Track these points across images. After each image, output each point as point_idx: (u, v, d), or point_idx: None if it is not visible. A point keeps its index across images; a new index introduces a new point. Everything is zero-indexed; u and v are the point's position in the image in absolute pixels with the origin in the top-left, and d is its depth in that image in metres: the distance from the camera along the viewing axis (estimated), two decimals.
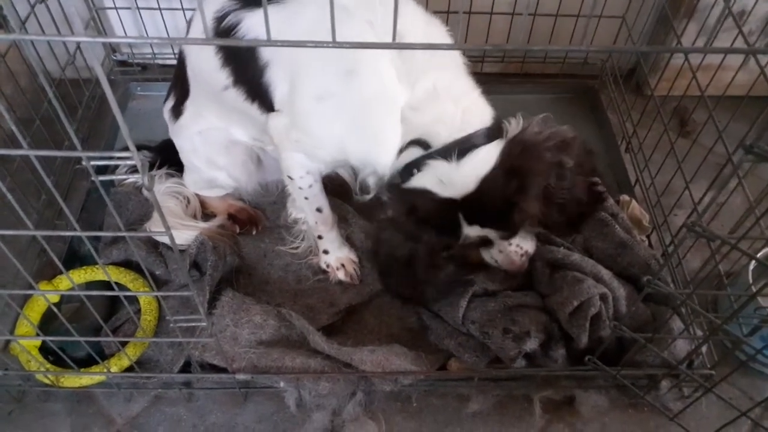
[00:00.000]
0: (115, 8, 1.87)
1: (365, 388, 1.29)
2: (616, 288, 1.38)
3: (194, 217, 1.61)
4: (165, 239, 1.44)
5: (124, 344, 1.33)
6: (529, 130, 1.18)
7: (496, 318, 1.36)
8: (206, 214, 1.64)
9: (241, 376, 1.24)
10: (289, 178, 1.39)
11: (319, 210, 1.46)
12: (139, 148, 1.72)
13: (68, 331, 1.31)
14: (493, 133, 1.18)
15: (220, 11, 1.23)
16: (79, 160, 1.71)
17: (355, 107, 1.19)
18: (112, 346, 1.36)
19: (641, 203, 1.68)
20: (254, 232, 1.62)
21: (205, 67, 1.33)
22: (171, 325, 1.09)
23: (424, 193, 1.18)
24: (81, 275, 1.44)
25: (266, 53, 1.22)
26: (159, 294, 1.36)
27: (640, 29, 1.92)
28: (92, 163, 0.77)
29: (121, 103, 1.97)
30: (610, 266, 1.45)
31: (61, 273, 1.43)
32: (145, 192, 1.59)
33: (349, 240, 1.59)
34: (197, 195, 1.64)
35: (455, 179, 1.15)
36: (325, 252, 1.54)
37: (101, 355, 1.33)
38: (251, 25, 1.21)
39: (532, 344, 1.31)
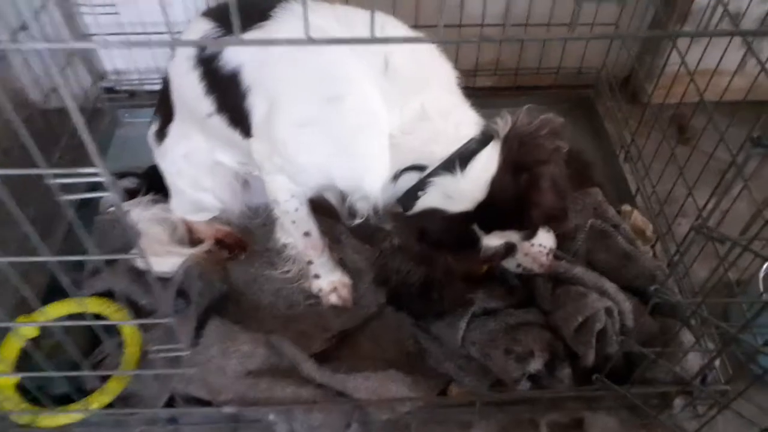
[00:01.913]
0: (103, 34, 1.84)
1: (360, 419, 1.22)
2: (622, 301, 1.31)
3: (181, 243, 1.55)
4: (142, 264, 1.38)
5: (105, 379, 1.26)
6: (520, 124, 1.14)
7: (497, 338, 1.29)
8: (193, 241, 1.59)
9: (227, 409, 1.17)
10: (275, 201, 1.35)
11: (307, 234, 1.40)
12: (126, 174, 1.68)
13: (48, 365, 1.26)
14: (486, 138, 1.13)
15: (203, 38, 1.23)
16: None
17: (338, 134, 1.15)
18: (93, 381, 1.29)
19: (643, 213, 1.62)
20: (242, 257, 1.57)
21: (189, 94, 1.30)
22: (150, 355, 1.03)
23: (434, 213, 1.12)
24: (62, 308, 1.38)
25: (248, 78, 1.19)
26: (139, 322, 1.30)
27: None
28: (60, 181, 0.73)
29: (108, 130, 1.93)
30: (615, 279, 1.38)
31: (41, 306, 1.37)
32: (115, 209, 1.54)
33: (341, 262, 1.53)
34: (184, 221, 1.59)
35: (464, 190, 1.10)
36: (316, 276, 1.47)
37: (82, 392, 1.26)
38: (233, 51, 1.19)
39: (536, 365, 1.24)
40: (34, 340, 1.18)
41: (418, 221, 1.15)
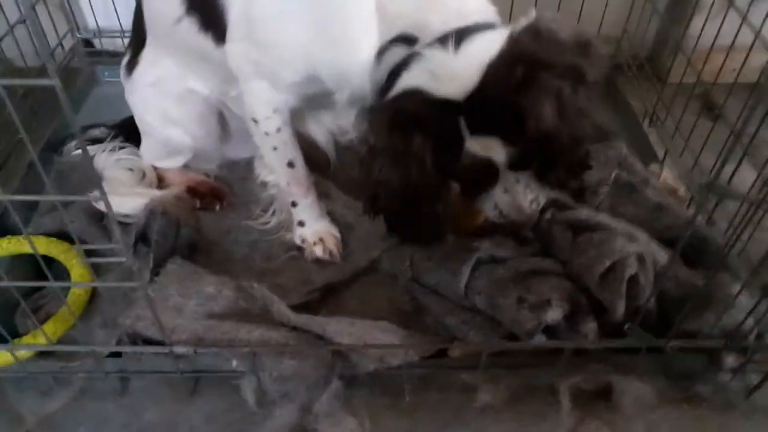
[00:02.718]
0: None
1: (343, 371, 1.01)
2: (656, 251, 1.12)
3: (149, 188, 1.38)
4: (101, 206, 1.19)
5: (43, 323, 1.07)
6: (544, 20, 0.95)
7: (507, 287, 1.09)
8: (163, 189, 1.41)
9: (180, 349, 0.96)
10: (254, 121, 1.17)
11: (290, 165, 1.23)
12: (97, 125, 1.52)
13: None
14: (498, 27, 0.96)
15: None
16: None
17: (320, 8, 0.99)
18: (29, 326, 1.09)
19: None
20: (217, 208, 1.39)
21: (160, 8, 1.19)
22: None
23: (414, 94, 0.92)
24: (4, 246, 1.19)
25: None
26: (91, 261, 1.10)
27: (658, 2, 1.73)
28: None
29: (86, 89, 1.80)
30: (645, 232, 1.18)
31: None
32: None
33: (330, 215, 1.35)
34: (154, 168, 1.42)
35: (454, 71, 0.90)
36: (300, 224, 1.29)
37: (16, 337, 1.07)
38: None
39: (553, 314, 1.03)
40: None
41: (394, 103, 0.95)
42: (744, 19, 1.15)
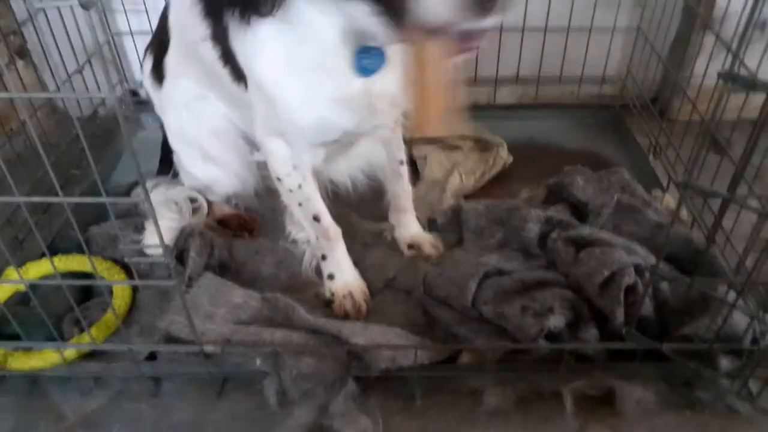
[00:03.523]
0: (131, 33, 1.92)
1: (357, 371, 1.08)
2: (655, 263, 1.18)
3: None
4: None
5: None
6: None
7: (512, 297, 1.16)
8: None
9: (210, 348, 1.05)
10: (278, 179, 1.25)
11: (316, 219, 1.27)
12: None
13: (29, 318, 1.19)
14: None
15: None
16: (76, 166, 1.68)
17: (294, 49, 1.02)
18: (74, 333, 1.20)
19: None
20: (247, 237, 1.48)
21: (187, 20, 1.19)
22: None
23: None
24: (60, 264, 1.32)
25: None
26: (138, 283, 1.21)
27: (659, 45, 1.84)
28: None
29: (131, 133, 1.97)
30: (645, 247, 1.25)
31: (29, 261, 1.32)
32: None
33: (351, 238, 1.43)
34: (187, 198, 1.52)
35: None
36: (330, 277, 1.32)
37: None
38: None
39: (556, 321, 1.10)
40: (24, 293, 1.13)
41: None
42: (741, 62, 1.21)
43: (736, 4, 1.33)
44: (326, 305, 1.32)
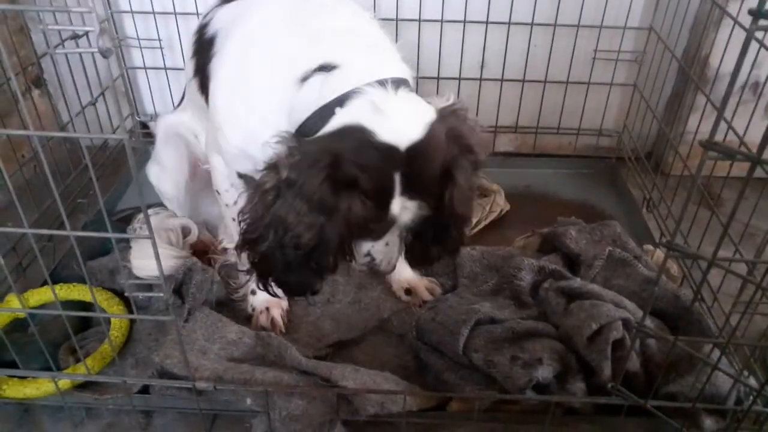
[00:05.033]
0: (144, 68, 1.98)
1: (346, 414, 1.10)
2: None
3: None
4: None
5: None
6: (459, 108, 1.02)
7: (502, 346, 1.18)
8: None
9: (202, 385, 1.07)
10: (218, 192, 1.31)
11: None
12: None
13: (26, 345, 1.21)
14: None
15: (205, 13, 1.30)
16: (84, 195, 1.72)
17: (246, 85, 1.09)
18: (70, 362, 1.22)
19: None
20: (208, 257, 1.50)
21: (186, 63, 1.35)
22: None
23: (356, 132, 0.87)
24: (61, 292, 1.35)
25: (217, 42, 1.19)
26: (139, 317, 1.22)
27: (654, 101, 1.90)
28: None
29: (139, 165, 2.00)
30: (634, 303, 1.28)
31: (31, 288, 1.35)
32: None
33: (346, 276, 1.46)
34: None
35: (399, 108, 0.89)
36: (253, 292, 1.37)
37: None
38: (217, 18, 1.23)
39: (544, 372, 1.12)
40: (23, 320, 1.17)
41: (332, 142, 0.89)
42: (729, 126, 1.24)
43: (728, 65, 1.39)
44: (247, 319, 1.37)
